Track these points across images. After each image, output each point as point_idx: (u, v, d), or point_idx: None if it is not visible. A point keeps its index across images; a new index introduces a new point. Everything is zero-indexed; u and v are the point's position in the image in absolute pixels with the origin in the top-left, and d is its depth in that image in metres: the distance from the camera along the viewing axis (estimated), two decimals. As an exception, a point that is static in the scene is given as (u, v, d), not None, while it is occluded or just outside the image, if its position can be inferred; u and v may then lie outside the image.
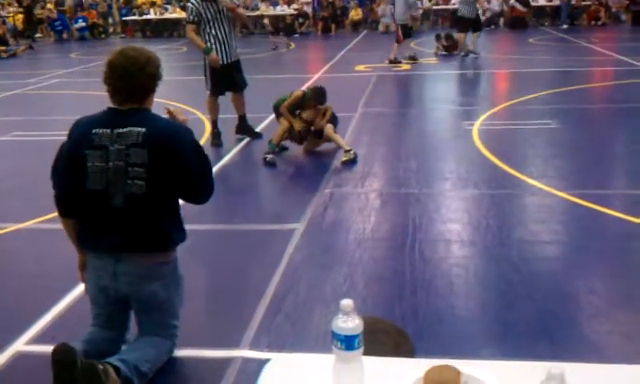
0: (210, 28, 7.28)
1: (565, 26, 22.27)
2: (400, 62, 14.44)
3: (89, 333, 3.08)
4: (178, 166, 2.89)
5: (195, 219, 4.44)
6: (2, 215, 5.72)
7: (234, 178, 6.62)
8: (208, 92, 7.70)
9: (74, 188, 2.92)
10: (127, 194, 2.86)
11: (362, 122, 8.74)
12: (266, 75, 10.71)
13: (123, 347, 3.12)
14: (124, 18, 26.42)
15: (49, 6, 27.65)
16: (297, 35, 23.34)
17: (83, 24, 25.53)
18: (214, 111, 7.74)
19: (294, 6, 24.79)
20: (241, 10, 9.14)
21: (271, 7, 25.38)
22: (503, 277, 4.14)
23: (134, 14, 26.03)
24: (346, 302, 1.59)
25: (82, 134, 2.92)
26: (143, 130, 2.85)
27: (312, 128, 7.10)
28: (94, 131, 2.89)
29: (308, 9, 24.66)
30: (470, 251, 4.62)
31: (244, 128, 8.05)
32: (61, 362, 2.70)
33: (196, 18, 7.23)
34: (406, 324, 3.49)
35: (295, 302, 3.88)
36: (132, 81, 2.89)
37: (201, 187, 3.07)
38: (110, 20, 27.47)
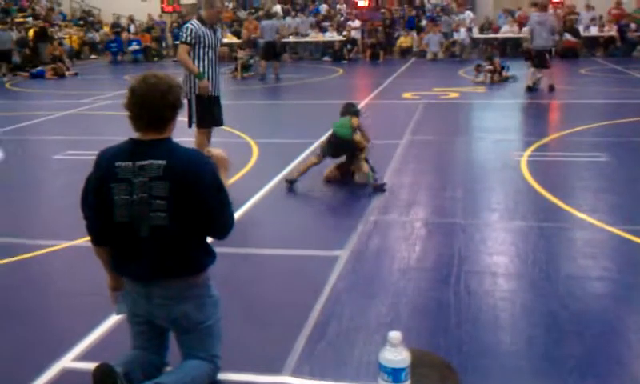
0: (204, 55, 6.90)
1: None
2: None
3: (130, 354, 3.12)
4: (197, 198, 2.88)
5: (238, 243, 4.48)
6: (54, 232, 5.87)
7: (278, 204, 6.65)
8: (193, 127, 7.05)
9: (104, 219, 2.97)
10: (152, 225, 2.88)
11: (409, 150, 8.72)
12: (313, 101, 10.81)
13: (166, 369, 3.15)
14: (177, 42, 26.98)
15: (105, 28, 28.48)
16: (345, 61, 23.48)
17: (137, 47, 26.16)
18: (205, 144, 6.95)
19: (345, 32, 24.97)
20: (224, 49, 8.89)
21: (320, 33, 25.60)
22: (550, 312, 4.06)
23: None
24: (395, 334, 1.60)
25: (106, 167, 2.94)
26: (164, 162, 2.85)
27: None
28: (117, 164, 2.90)
29: (357, 35, 24.80)
30: (517, 285, 4.55)
31: None
32: (100, 382, 2.74)
33: (193, 41, 6.83)
34: (450, 357, 3.45)
35: (338, 330, 3.87)
36: (153, 108, 2.88)
37: (219, 221, 3.02)
38: (164, 43, 28.07)
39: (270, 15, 19.67)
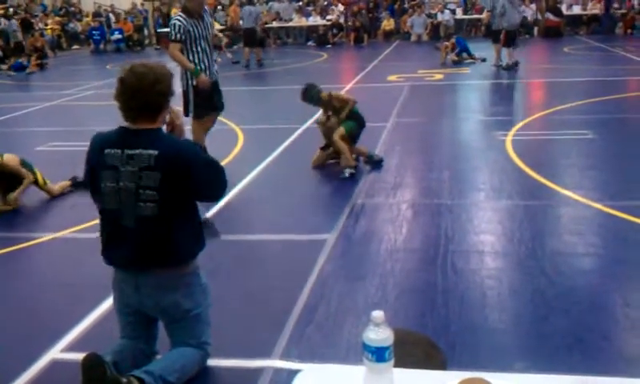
0: (196, 46, 6.77)
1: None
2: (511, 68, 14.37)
3: (119, 344, 3.11)
4: (190, 184, 2.89)
5: (224, 230, 4.47)
6: (38, 224, 5.84)
7: (265, 190, 6.64)
8: (190, 116, 6.91)
9: (98, 204, 3.00)
10: (137, 215, 2.87)
11: (395, 132, 8.72)
12: (298, 86, 10.78)
13: (156, 358, 3.15)
14: (159, 31, 26.77)
15: (86, 19, 28.24)
16: (329, 46, 23.42)
17: (119, 36, 25.95)
18: (202, 134, 7.02)
19: (329, 16, 24.87)
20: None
21: (304, 18, 25.50)
22: (537, 289, 4.09)
23: (167, 26, 26.36)
24: (377, 314, 1.59)
25: (96, 153, 2.94)
26: (155, 152, 2.83)
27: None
28: (105, 151, 2.89)
29: (340, 19, 24.73)
30: (504, 263, 4.57)
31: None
32: (89, 372, 2.73)
33: (183, 37, 6.69)
34: (438, 336, 3.47)
35: (326, 313, 3.87)
36: (142, 98, 2.86)
37: (215, 190, 3.10)
38: (146, 31, 27.87)
39: (250, 1, 19.43)
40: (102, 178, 2.89)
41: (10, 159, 6.18)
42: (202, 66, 6.83)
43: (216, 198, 3.24)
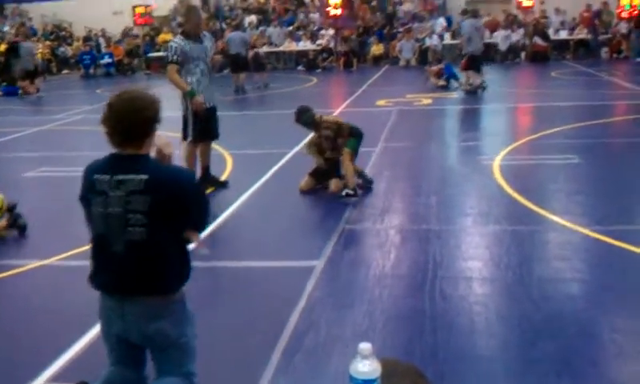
0: (195, 68, 6.88)
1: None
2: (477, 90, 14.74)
3: (107, 372, 3.08)
4: (181, 211, 2.89)
5: (212, 257, 4.46)
6: (27, 251, 5.80)
7: (253, 215, 6.64)
8: (188, 140, 7.08)
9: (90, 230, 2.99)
10: (126, 240, 2.87)
11: (383, 157, 8.75)
12: (287, 111, 10.80)
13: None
14: (148, 55, 26.83)
15: (77, 43, 28.28)
16: (319, 70, 23.54)
17: (109, 60, 25.99)
18: (194, 160, 7.17)
19: (319, 41, 25.03)
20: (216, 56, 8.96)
21: (294, 43, 25.65)
22: (525, 315, 4.10)
23: (159, 51, 26.40)
24: (364, 346, 1.60)
25: (87, 180, 2.95)
26: (145, 176, 2.83)
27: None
28: (95, 177, 2.90)
29: (330, 43, 24.89)
30: (491, 289, 4.58)
31: (209, 179, 7.41)
32: None
33: (180, 58, 6.80)
34: (426, 363, 3.47)
35: (314, 341, 3.86)
36: (129, 124, 2.86)
37: (200, 221, 3.12)
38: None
39: (238, 27, 19.49)
40: (92, 204, 2.90)
41: None
42: (200, 88, 6.92)
43: (201, 228, 3.23)
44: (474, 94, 14.74)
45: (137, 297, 2.94)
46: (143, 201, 2.81)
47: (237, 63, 17.49)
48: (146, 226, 2.83)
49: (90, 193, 2.91)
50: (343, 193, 6.81)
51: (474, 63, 14.74)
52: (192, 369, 3.13)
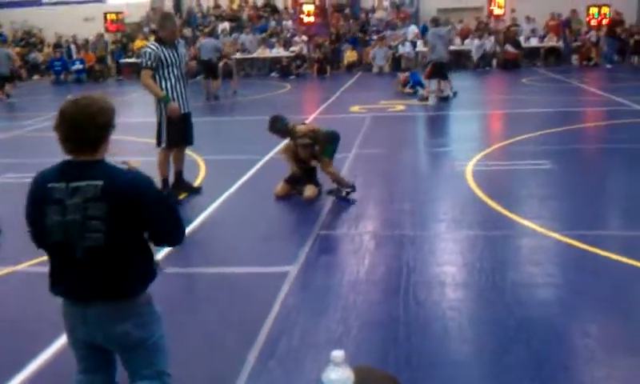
0: (169, 74, 6.88)
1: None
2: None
3: (76, 381, 3.02)
4: (141, 216, 2.83)
5: (185, 263, 4.42)
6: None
7: (226, 221, 6.59)
8: (162, 146, 7.07)
9: (40, 241, 2.91)
10: (86, 246, 2.81)
11: (356, 163, 8.75)
12: (260, 117, 10.74)
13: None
14: (121, 61, 26.59)
15: (47, 49, 27.94)
16: (292, 77, 23.54)
17: (80, 66, 25.71)
18: (167, 166, 7.18)
19: (292, 48, 25.03)
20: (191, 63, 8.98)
21: (267, 50, 25.62)
22: (498, 320, 4.11)
23: (131, 57, 26.17)
24: (337, 354, 1.57)
25: (39, 190, 2.88)
26: (101, 183, 2.78)
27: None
28: (49, 186, 2.83)
29: (304, 50, 24.92)
30: (465, 294, 4.59)
31: (182, 185, 7.40)
32: None
33: (154, 64, 6.80)
34: (400, 370, 3.46)
35: (288, 347, 3.83)
36: (81, 130, 2.81)
37: (169, 231, 3.00)
38: (108, 63, 27.66)
39: (211, 34, 19.41)
40: (46, 213, 2.83)
41: None
42: (174, 95, 6.94)
43: (173, 237, 3.10)
44: (445, 101, 14.85)
45: (98, 301, 2.88)
46: (100, 207, 2.76)
47: (209, 69, 17.44)
48: (105, 232, 2.78)
49: (44, 202, 2.84)
50: (343, 193, 6.96)
51: (439, 71, 14.85)
52: (164, 368, 3.08)
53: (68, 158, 2.91)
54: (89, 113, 2.83)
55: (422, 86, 16.33)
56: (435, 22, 15.49)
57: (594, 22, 24.23)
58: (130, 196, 2.81)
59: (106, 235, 2.78)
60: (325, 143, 7.07)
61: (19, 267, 5.30)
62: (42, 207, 2.84)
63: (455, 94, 15.28)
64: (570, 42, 24.22)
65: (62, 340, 3.89)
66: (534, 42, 24.54)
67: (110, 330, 2.92)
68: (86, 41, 27.27)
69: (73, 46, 27.66)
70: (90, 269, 2.83)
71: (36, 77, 27.22)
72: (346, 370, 1.55)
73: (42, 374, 3.63)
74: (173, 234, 3.03)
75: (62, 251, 2.86)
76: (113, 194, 2.79)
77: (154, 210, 2.89)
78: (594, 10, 24.33)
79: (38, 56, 28.15)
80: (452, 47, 20.54)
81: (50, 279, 2.98)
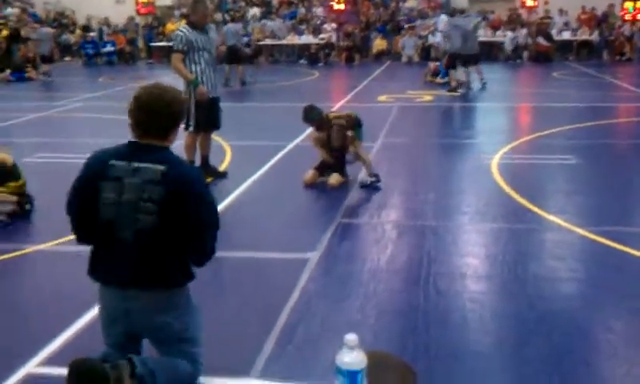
0: (199, 58, 6.94)
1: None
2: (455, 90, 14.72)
3: (104, 352, 3.06)
4: (190, 210, 2.85)
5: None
6: (21, 236, 5.79)
7: (250, 207, 6.62)
8: (189, 130, 7.11)
9: (88, 218, 2.94)
10: (136, 228, 2.85)
11: (382, 153, 8.73)
12: (288, 103, 10.82)
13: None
14: (151, 44, 26.76)
15: (79, 32, 28.23)
16: (321, 64, 23.51)
17: (111, 48, 25.93)
18: (194, 150, 7.25)
19: (322, 35, 24.97)
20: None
21: (297, 37, 25.61)
22: (519, 313, 4.09)
23: (161, 40, 26.32)
24: (350, 337, 1.59)
25: (98, 166, 2.93)
26: (162, 168, 2.86)
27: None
28: (110, 163, 2.91)
29: (333, 38, 24.85)
30: (486, 286, 4.57)
31: (208, 170, 7.40)
32: (78, 368, 2.72)
33: (185, 48, 6.88)
34: (417, 359, 3.46)
35: (307, 333, 3.86)
36: (155, 117, 2.94)
37: (205, 241, 2.98)
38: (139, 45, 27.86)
39: (241, 19, 19.44)
40: (101, 190, 2.89)
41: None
42: (204, 79, 7.01)
43: (204, 251, 3.00)
44: (456, 91, 14.69)
45: (141, 290, 2.92)
46: (158, 191, 2.83)
47: (232, 55, 17.47)
48: (157, 215, 2.83)
49: (102, 179, 2.90)
50: (368, 181, 6.97)
51: (456, 61, 14.69)
52: (197, 357, 3.14)
53: (132, 139, 3.00)
54: (164, 101, 2.95)
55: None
56: (451, 11, 15.35)
57: (628, 17, 23.80)
58: (184, 183, 2.88)
59: (158, 218, 2.83)
60: (354, 127, 7.11)
61: (43, 246, 5.38)
62: (98, 182, 2.90)
63: (484, 85, 15.14)
64: (606, 36, 23.83)
65: (86, 317, 3.97)
66: (566, 36, 24.19)
67: (150, 321, 2.98)
68: (115, 26, 27.50)
69: (105, 28, 27.88)
70: (136, 252, 2.87)
71: (67, 58, 27.51)
72: (360, 353, 1.57)
73: (65, 350, 3.69)
74: (205, 245, 2.99)
75: (108, 231, 2.90)
76: (171, 180, 2.85)
77: (202, 208, 2.92)
78: (628, 5, 23.90)
79: (69, 37, 28.42)
80: (482, 38, 20.33)
81: (90, 262, 3.03)
